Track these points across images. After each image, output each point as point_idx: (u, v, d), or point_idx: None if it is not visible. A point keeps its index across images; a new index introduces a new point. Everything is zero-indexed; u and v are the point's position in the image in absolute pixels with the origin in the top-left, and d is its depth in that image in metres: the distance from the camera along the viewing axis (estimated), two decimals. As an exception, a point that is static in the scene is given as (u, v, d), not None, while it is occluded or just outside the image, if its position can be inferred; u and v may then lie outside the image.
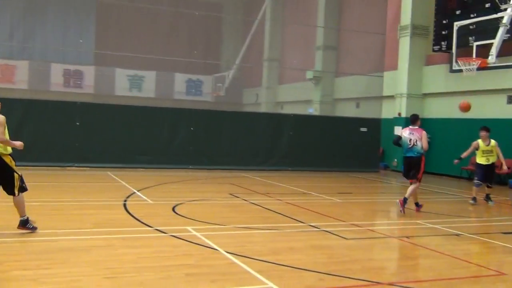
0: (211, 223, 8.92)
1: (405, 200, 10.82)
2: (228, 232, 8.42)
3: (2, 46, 19.05)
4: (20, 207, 7.55)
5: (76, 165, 17.18)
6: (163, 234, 7.91)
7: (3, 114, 7.69)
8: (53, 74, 21.22)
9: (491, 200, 12.91)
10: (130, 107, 19.19)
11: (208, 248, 7.13)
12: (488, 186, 12.81)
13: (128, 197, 11.48)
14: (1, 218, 8.70)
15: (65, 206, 10.13)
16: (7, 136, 7.43)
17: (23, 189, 7.63)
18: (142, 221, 8.88)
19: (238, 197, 12.36)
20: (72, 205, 10.28)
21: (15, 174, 7.53)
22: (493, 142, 12.56)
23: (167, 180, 15.21)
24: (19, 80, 19.47)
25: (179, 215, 9.61)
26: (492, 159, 12.57)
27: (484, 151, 12.57)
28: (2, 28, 18.88)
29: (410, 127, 11.32)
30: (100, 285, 5.41)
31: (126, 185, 13.52)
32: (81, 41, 20.24)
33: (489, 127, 12.85)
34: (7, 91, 17.95)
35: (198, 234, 7.90)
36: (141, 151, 18.09)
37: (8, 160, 7.52)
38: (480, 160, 12.66)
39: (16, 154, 16.23)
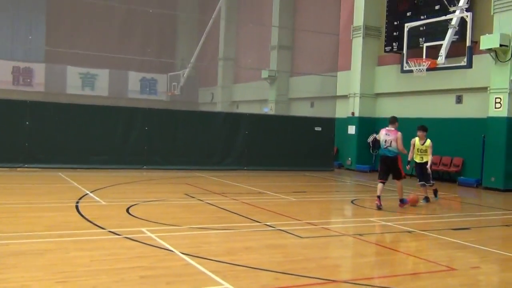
0: (166, 224, 8.84)
1: (402, 201, 11.68)
2: (183, 233, 8.35)
3: None
4: None
5: (26, 165, 16.69)
6: (117, 236, 7.77)
7: None
8: (1, 71, 20.53)
9: (436, 196, 13.32)
10: (83, 106, 18.78)
11: (163, 250, 7.05)
12: (423, 185, 13.07)
13: (80, 198, 11.23)
14: None
15: (15, 209, 9.82)
16: None
17: None
18: (95, 223, 8.70)
19: (193, 197, 12.28)
20: (23, 208, 9.97)
21: None
22: (428, 142, 12.83)
23: (121, 180, 14.96)
24: (-36, 77, 18.73)
25: (134, 216, 9.47)
26: (425, 158, 12.84)
27: (419, 149, 12.89)
28: None
29: (387, 128, 11.72)
30: (51, 290, 5.27)
31: (79, 186, 13.23)
32: (30, 37, 19.65)
33: (427, 126, 13.13)
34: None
35: (153, 236, 7.80)
36: (94, 151, 17.73)
37: None
38: (416, 158, 12.99)
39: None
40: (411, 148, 12.92)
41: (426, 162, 12.80)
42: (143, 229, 8.25)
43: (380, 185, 11.56)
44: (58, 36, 21.39)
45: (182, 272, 6.09)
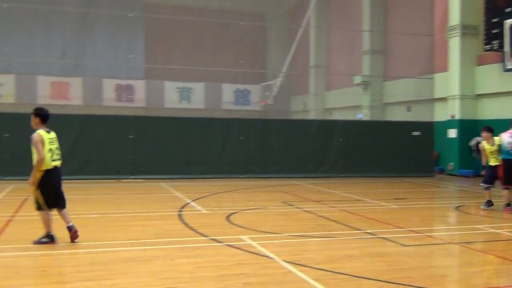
0: (266, 232, 8.93)
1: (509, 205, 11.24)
2: (283, 241, 8.39)
3: (57, 64, 19.73)
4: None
5: (131, 177, 17.60)
6: (219, 244, 7.97)
7: (54, 131, 7.98)
8: (106, 89, 21.79)
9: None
10: (181, 118, 19.50)
11: (264, 257, 7.13)
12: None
13: (182, 207, 11.64)
14: (63, 230, 8.98)
15: (123, 218, 10.36)
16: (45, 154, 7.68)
17: (39, 207, 7.79)
18: (198, 231, 8.97)
19: (291, 205, 12.32)
20: (130, 217, 10.50)
21: (36, 191, 7.72)
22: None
23: (220, 189, 15.34)
24: (73, 96, 20.12)
25: (234, 224, 9.66)
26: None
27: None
28: (56, 47, 19.59)
29: (509, 131, 11.20)
30: (161, 295, 5.49)
31: (180, 195, 13.72)
32: (131, 56, 20.72)
33: (492, 127, 12.13)
34: (63, 107, 18.57)
35: (253, 243, 7.91)
36: (193, 161, 18.36)
37: (39, 175, 7.70)
38: (491, 161, 11.92)
39: (74, 168, 16.79)
40: (482, 153, 12.01)
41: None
42: (244, 237, 8.39)
43: (506, 192, 11.07)
44: (156, 54, 22.37)
45: (284, 280, 6.12)
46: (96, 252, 7.38)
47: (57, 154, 7.99)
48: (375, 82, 27.66)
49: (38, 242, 7.69)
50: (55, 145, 8.00)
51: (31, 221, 9.72)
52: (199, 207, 11.72)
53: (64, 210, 8.02)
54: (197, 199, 13.06)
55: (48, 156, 7.75)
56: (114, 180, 17.24)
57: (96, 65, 20.89)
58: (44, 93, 19.06)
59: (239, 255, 7.28)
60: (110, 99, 21.64)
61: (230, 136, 18.95)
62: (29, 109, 18.07)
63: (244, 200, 13.45)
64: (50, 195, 7.80)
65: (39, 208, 7.79)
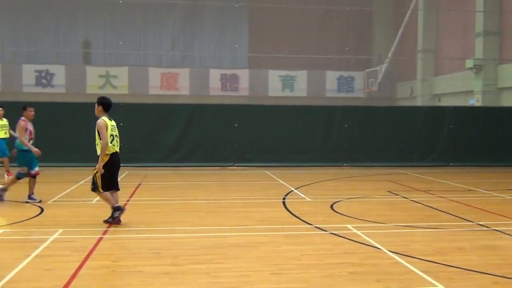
0: (371, 221, 8.79)
1: None
2: (389, 231, 8.22)
3: (166, 56, 20.58)
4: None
5: (236, 164, 18.06)
6: (324, 232, 7.97)
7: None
8: (212, 79, 22.41)
9: None
10: (284, 107, 19.62)
11: (370, 247, 7.04)
12: None
13: (286, 195, 11.76)
14: (174, 215, 9.43)
15: (230, 204, 10.68)
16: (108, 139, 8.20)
17: (94, 188, 8.33)
18: (302, 218, 9.03)
19: (397, 194, 12.02)
20: (236, 203, 10.80)
21: (97, 173, 8.21)
22: None
23: (323, 178, 15.30)
24: (181, 86, 20.91)
25: (338, 213, 9.61)
26: None
27: None
28: (166, 40, 20.43)
29: None
30: (267, 281, 5.61)
31: (284, 183, 13.86)
32: (236, 46, 21.14)
33: None
34: (172, 97, 19.38)
35: (358, 232, 7.83)
36: (296, 149, 18.44)
37: (106, 158, 8.23)
38: None
39: (182, 156, 17.58)
40: None
41: None
42: (349, 226, 8.33)
43: None
44: (260, 43, 22.60)
45: (391, 271, 6.01)
46: (205, 236, 7.67)
47: (116, 140, 8.47)
48: (488, 65, 26.03)
49: (112, 218, 8.27)
50: (116, 133, 8.50)
51: (145, 205, 10.32)
52: (302, 195, 11.78)
53: (117, 193, 8.58)
54: (301, 187, 13.13)
55: (109, 140, 8.25)
56: (220, 168, 17.77)
57: (203, 55, 21.54)
58: (155, 84, 20.00)
59: (344, 244, 7.24)
60: (215, 88, 22.24)
61: (333, 124, 18.78)
62: (142, 100, 18.98)
63: (348, 189, 13.32)
64: (109, 178, 8.34)
65: (94, 189, 8.35)
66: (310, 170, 17.42)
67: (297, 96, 22.28)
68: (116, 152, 8.38)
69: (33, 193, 10.30)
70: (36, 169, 10.26)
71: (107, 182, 8.30)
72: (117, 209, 8.29)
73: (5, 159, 13.91)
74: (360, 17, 22.89)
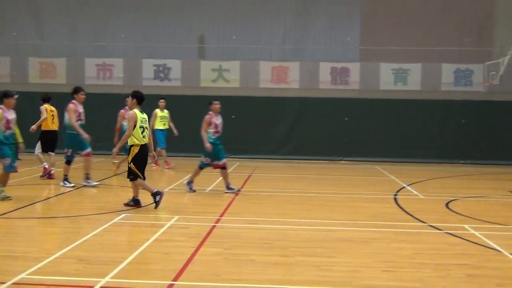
0: (490, 222, 8.31)
1: None
2: (510, 233, 7.71)
3: (277, 50, 20.74)
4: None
5: (345, 158, 17.90)
6: (438, 231, 7.65)
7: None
8: (322, 72, 22.28)
9: None
10: (396, 100, 19.07)
11: (489, 249, 6.65)
12: None
13: (398, 191, 11.43)
14: (283, 207, 9.52)
15: (339, 198, 10.58)
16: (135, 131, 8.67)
17: (133, 178, 8.81)
18: (415, 216, 8.74)
19: (519, 195, 11.24)
20: (346, 197, 10.68)
21: (130, 164, 8.75)
22: None
23: (437, 175, 14.68)
24: (291, 80, 20.97)
25: (454, 211, 9.18)
26: None
27: None
28: (277, 34, 20.57)
29: None
30: (379, 277, 5.49)
31: (395, 179, 13.48)
32: (348, 39, 20.82)
33: None
34: (282, 90, 19.53)
35: (476, 233, 7.43)
36: (408, 145, 17.91)
37: (136, 149, 8.73)
38: None
39: (291, 149, 17.80)
40: None
41: None
42: (466, 226, 7.93)
43: None
44: (372, 35, 22.05)
45: (514, 275, 5.64)
46: (315, 229, 7.67)
47: (147, 133, 8.89)
48: None
49: (155, 203, 8.74)
50: (146, 125, 8.90)
51: (255, 196, 10.52)
52: (415, 192, 11.39)
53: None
54: (413, 183, 12.70)
55: (139, 131, 8.69)
56: (329, 162, 17.68)
57: (314, 49, 21.46)
58: (265, 78, 20.26)
59: (460, 245, 6.91)
60: (325, 82, 22.10)
61: (449, 119, 18.00)
62: (253, 93, 19.37)
63: (465, 187, 12.67)
64: (142, 166, 8.85)
65: (133, 178, 8.79)
66: (424, 167, 16.81)
67: (411, 89, 21.50)
68: (145, 144, 8.85)
69: (229, 183, 10.77)
70: (224, 160, 10.73)
71: (140, 170, 8.83)
72: (157, 194, 8.78)
73: (163, 151, 14.68)
74: (481, 6, 21.57)
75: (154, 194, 8.82)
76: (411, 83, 20.24)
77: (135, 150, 8.77)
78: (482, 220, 8.42)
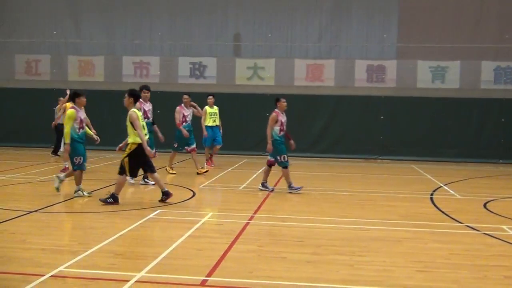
0: (530, 224, 8.09)
1: None
2: (552, 235, 7.50)
3: (312, 48, 20.63)
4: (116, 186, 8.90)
5: (380, 157, 17.71)
6: (475, 232, 7.51)
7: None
8: (357, 70, 22.09)
9: None
10: (433, 98, 18.76)
11: (528, 251, 6.49)
12: None
13: (434, 190, 11.25)
14: (316, 205, 9.49)
15: (373, 197, 10.48)
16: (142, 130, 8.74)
17: (121, 172, 8.83)
18: (451, 216, 8.59)
19: (561, 196, 10.90)
20: (380, 196, 10.56)
21: (125, 159, 8.79)
22: None
23: (475, 174, 14.38)
24: (327, 78, 20.85)
25: (492, 212, 8.98)
26: None
27: None
28: (313, 32, 20.46)
29: None
30: (412, 277, 5.43)
31: (432, 178, 13.26)
32: (384, 36, 20.56)
33: None
34: (317, 88, 19.45)
35: (515, 235, 7.26)
36: (445, 144, 17.61)
37: (133, 146, 8.78)
38: None
39: (325, 147, 17.71)
40: None
41: None
42: (504, 227, 7.75)
43: None
44: (410, 32, 21.70)
45: (554, 278, 5.48)
46: (347, 228, 7.63)
47: (146, 129, 9.01)
48: None
49: (104, 200, 8.79)
50: (143, 122, 9.00)
51: (289, 194, 10.51)
52: (452, 192, 11.18)
53: (155, 174, 8.99)
54: (450, 183, 12.47)
55: (143, 130, 8.80)
56: (364, 160, 17.53)
57: (350, 46, 21.28)
58: (300, 75, 20.19)
59: (498, 246, 6.76)
60: (361, 79, 21.91)
61: (489, 117, 17.61)
62: (287, 91, 19.34)
63: (504, 188, 12.37)
64: (135, 166, 8.88)
65: (121, 173, 8.80)
66: (461, 166, 16.49)
67: (449, 87, 21.13)
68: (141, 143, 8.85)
69: (266, 181, 10.84)
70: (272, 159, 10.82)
71: (132, 169, 8.88)
72: (114, 199, 8.78)
73: (214, 148, 14.51)
74: (523, 1, 20.97)
75: (165, 193, 8.96)
76: (449, 81, 19.88)
77: (133, 147, 8.80)
78: (522, 222, 8.21)
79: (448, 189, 11.49)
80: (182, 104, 13.18)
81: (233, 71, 19.63)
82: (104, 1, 20.18)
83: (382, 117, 17.94)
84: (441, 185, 12.08)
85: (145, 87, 11.31)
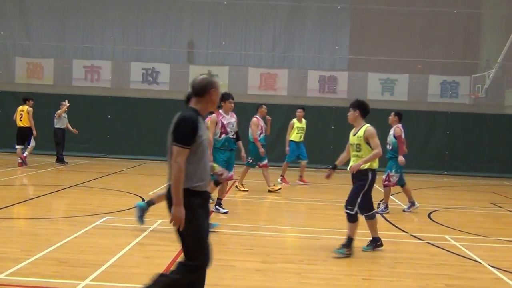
0: (471, 233, 8.38)
1: None
2: (490, 245, 7.80)
3: (266, 57, 20.80)
4: None
5: (327, 167, 17.89)
6: (419, 241, 7.72)
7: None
8: (310, 80, 22.38)
9: None
10: (383, 110, 19.18)
11: (468, 260, 6.72)
12: None
13: (381, 201, 11.47)
14: (267, 213, 9.52)
15: (324, 206, 10.62)
16: None
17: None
18: (396, 225, 8.80)
19: (501, 207, 11.36)
20: (330, 205, 10.71)
21: None
22: None
23: (421, 185, 14.77)
24: (280, 87, 21.05)
25: (436, 222, 9.26)
26: None
27: None
28: (267, 41, 20.63)
29: None
30: (359, 286, 5.53)
31: (380, 188, 13.50)
32: (336, 47, 20.95)
33: None
34: (270, 97, 19.59)
35: (457, 244, 7.50)
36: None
37: None
38: None
39: (277, 156, 17.64)
40: None
41: None
42: (446, 236, 7.99)
43: None
44: (361, 45, 22.20)
45: (491, 287, 5.70)
46: (296, 237, 7.74)
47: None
48: None
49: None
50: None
51: (239, 202, 10.51)
52: (398, 202, 11.46)
53: None
54: (396, 193, 12.75)
55: None
56: (313, 169, 17.73)
57: (303, 57, 21.54)
58: (254, 84, 20.30)
59: (441, 255, 6.97)
60: (313, 90, 22.19)
61: (435, 130, 18.18)
62: (241, 99, 19.32)
63: (447, 198, 12.78)
64: None
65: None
66: (407, 177, 16.74)
67: (397, 100, 21.71)
68: None
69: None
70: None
71: None
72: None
73: (302, 165, 14.09)
74: (468, 19, 21.84)
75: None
76: (398, 93, 20.43)
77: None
78: (463, 231, 8.49)
79: (395, 199, 11.77)
80: (258, 115, 12.19)
81: (186, 78, 19.52)
82: (55, 2, 19.72)
83: (332, 127, 18.20)
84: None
85: (229, 95, 9.26)
